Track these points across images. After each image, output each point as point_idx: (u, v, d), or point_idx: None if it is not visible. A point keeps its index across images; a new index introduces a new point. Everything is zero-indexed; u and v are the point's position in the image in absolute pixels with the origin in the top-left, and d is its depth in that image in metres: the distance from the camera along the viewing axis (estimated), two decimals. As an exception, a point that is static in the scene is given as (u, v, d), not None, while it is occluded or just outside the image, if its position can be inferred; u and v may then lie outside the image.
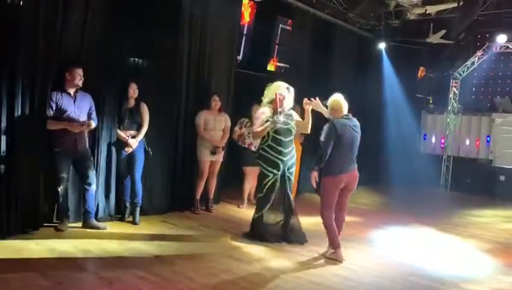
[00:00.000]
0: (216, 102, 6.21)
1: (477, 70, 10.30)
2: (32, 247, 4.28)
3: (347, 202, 4.80)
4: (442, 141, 10.44)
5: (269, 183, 4.96)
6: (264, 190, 4.98)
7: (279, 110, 4.84)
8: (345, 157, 4.58)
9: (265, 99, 5.09)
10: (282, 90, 4.97)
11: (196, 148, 6.22)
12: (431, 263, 4.71)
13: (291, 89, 5.06)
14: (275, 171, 4.95)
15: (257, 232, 5.04)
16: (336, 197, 4.62)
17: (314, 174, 4.56)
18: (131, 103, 5.44)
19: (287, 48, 8.51)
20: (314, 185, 4.62)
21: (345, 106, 4.70)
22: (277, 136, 4.94)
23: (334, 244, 4.64)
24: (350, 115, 4.72)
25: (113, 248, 4.46)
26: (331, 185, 4.57)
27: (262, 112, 5.04)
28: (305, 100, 4.94)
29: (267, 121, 4.92)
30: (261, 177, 5.08)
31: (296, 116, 5.16)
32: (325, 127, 4.60)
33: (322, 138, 4.58)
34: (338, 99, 4.73)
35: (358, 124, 4.75)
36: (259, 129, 4.97)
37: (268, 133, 4.94)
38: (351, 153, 4.64)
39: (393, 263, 4.65)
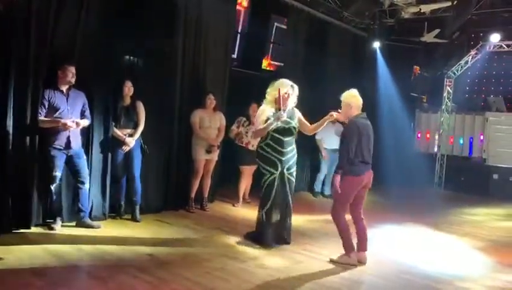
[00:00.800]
0: (211, 101, 6.20)
1: (471, 69, 10.36)
2: (25, 246, 4.25)
3: (365, 197, 4.74)
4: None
5: (267, 182, 4.88)
6: (263, 189, 4.91)
7: (282, 108, 4.73)
8: (366, 157, 4.49)
9: (268, 97, 4.93)
10: (286, 88, 4.84)
11: (191, 147, 6.21)
12: (426, 262, 4.73)
13: (296, 87, 4.93)
14: (273, 170, 4.86)
15: (258, 235, 4.93)
16: (352, 198, 4.54)
17: (338, 178, 4.40)
18: (127, 101, 5.42)
19: (282, 46, 8.51)
20: (339, 190, 4.41)
21: (361, 103, 4.60)
22: (276, 135, 4.84)
23: (349, 246, 4.50)
24: (365, 114, 4.63)
25: (107, 247, 4.43)
26: (352, 186, 4.47)
27: (263, 111, 4.93)
28: (332, 113, 4.77)
29: (267, 120, 4.81)
30: (261, 176, 5.02)
31: (299, 115, 5.05)
32: (344, 128, 4.52)
33: (343, 139, 4.49)
34: (356, 95, 4.59)
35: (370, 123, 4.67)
36: (261, 127, 4.84)
37: (268, 131, 4.84)
38: (370, 153, 4.56)
39: (388, 262, 4.67)
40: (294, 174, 5.04)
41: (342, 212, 4.54)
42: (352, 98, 4.58)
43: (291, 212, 5.05)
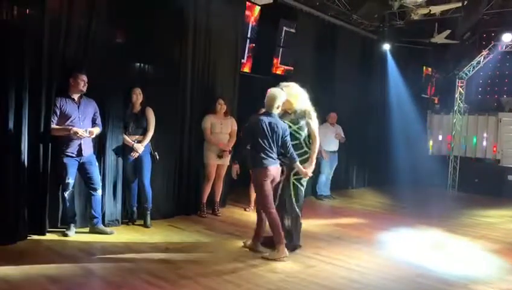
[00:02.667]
0: (221, 106, 6.23)
1: (483, 69, 10.27)
2: (40, 252, 4.32)
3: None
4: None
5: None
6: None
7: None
8: (268, 153, 4.69)
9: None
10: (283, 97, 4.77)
11: (203, 152, 6.25)
12: (438, 264, 4.68)
13: (287, 88, 4.86)
14: None
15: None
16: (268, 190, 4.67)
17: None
18: (137, 108, 5.48)
19: (291, 50, 8.52)
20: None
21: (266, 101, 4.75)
22: None
23: (281, 239, 4.56)
24: (270, 113, 4.70)
25: (120, 253, 4.48)
26: (261, 176, 4.63)
27: None
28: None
29: None
30: None
31: (309, 120, 4.90)
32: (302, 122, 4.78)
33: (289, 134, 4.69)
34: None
35: None
36: None
37: None
38: (273, 148, 4.70)
39: (400, 265, 4.63)
40: (304, 181, 4.93)
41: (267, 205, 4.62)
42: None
43: (288, 213, 4.90)
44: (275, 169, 4.64)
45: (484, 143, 10.05)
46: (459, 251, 5.36)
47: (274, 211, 4.63)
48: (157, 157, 5.59)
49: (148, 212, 5.54)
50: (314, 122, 4.98)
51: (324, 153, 8.01)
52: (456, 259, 4.97)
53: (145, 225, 5.49)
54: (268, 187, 4.61)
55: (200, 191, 6.27)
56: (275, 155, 4.64)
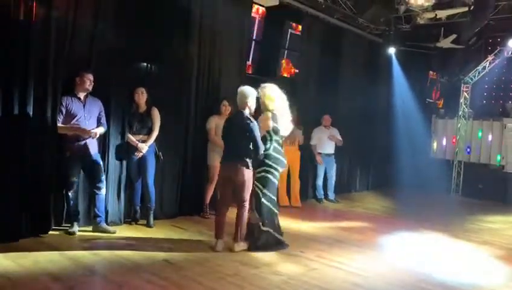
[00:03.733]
0: (226, 107, 6.23)
1: (488, 74, 10.20)
2: (43, 250, 4.33)
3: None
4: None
5: None
6: None
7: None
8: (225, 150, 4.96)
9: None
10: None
11: (206, 154, 6.24)
12: (442, 270, 4.66)
13: (265, 90, 4.92)
14: None
15: None
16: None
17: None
18: (142, 107, 5.48)
19: (296, 53, 8.52)
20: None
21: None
22: None
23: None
24: (241, 113, 4.82)
25: (122, 252, 4.48)
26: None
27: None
28: None
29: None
30: None
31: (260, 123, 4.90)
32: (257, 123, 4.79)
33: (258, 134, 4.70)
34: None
35: None
36: None
37: None
38: (230, 147, 4.89)
39: (403, 269, 4.61)
40: (258, 176, 4.89)
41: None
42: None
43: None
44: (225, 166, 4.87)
45: (487, 148, 9.97)
46: (463, 256, 5.33)
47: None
48: (162, 157, 5.59)
49: (151, 212, 5.55)
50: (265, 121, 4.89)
51: (318, 157, 8.01)
52: (459, 264, 4.95)
53: (147, 225, 5.50)
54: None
55: (203, 192, 6.27)
56: (234, 153, 4.76)
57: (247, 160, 4.75)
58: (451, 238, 6.10)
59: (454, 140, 10.33)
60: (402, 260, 4.95)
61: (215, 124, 6.16)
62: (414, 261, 4.93)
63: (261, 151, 4.76)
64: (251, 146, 4.72)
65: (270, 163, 4.88)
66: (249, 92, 4.82)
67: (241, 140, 4.73)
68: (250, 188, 4.85)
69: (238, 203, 4.86)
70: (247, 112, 4.82)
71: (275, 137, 4.92)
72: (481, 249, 5.62)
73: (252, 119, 4.81)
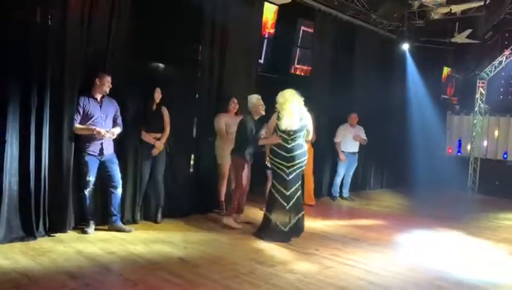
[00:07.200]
0: (235, 104, 6.24)
1: (505, 69, 10.05)
2: (60, 249, 4.39)
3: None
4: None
5: None
6: None
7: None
8: None
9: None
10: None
11: (215, 152, 6.27)
12: (459, 268, 4.61)
13: (278, 97, 5.36)
14: None
15: None
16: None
17: None
18: (154, 106, 5.53)
19: (309, 50, 8.49)
20: None
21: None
22: None
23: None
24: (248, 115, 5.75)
25: (138, 251, 4.52)
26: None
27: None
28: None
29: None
30: None
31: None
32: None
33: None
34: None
35: None
36: None
37: None
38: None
39: (419, 268, 4.57)
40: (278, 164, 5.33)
41: None
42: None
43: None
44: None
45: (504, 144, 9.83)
46: (480, 254, 5.26)
47: None
48: (168, 150, 5.66)
49: (160, 208, 5.62)
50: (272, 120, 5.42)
51: (342, 155, 7.98)
52: (476, 262, 4.88)
53: (155, 221, 5.57)
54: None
55: (216, 190, 6.28)
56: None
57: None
58: (468, 236, 6.02)
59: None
60: (418, 258, 4.91)
61: (225, 122, 6.15)
62: (430, 259, 4.88)
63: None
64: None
65: (270, 155, 5.39)
66: (249, 99, 5.83)
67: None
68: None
69: None
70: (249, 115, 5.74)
71: (279, 133, 5.29)
72: (499, 247, 5.54)
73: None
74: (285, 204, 5.23)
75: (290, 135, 5.23)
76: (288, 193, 5.24)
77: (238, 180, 5.71)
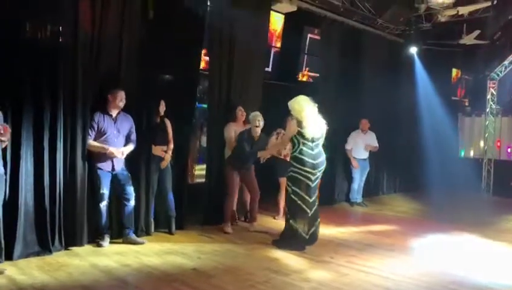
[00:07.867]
0: (242, 112, 6.25)
1: (515, 69, 9.97)
2: (76, 263, 4.43)
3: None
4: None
5: None
6: None
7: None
8: None
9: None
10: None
11: (224, 163, 6.27)
12: (474, 271, 4.55)
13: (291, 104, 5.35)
14: None
15: None
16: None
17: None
18: (158, 119, 5.58)
19: (316, 57, 8.51)
20: None
21: None
22: None
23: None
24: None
25: (152, 262, 4.54)
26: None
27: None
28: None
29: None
30: None
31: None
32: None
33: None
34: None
35: None
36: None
37: None
38: None
39: (435, 272, 4.52)
40: (287, 175, 5.39)
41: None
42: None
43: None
44: None
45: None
46: (495, 257, 5.19)
47: None
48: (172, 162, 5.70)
49: (173, 219, 5.64)
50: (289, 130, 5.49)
51: (354, 162, 7.97)
52: (491, 266, 4.81)
53: (169, 232, 5.59)
54: None
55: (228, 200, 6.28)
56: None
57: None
58: (483, 239, 5.95)
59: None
60: (434, 263, 4.86)
61: (234, 131, 6.16)
62: (446, 263, 4.82)
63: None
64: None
65: (294, 164, 5.25)
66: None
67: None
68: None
69: None
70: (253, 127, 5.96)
71: (301, 140, 5.22)
72: (515, 249, 5.46)
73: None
74: (309, 211, 5.22)
75: (313, 141, 5.26)
76: (311, 200, 5.25)
77: (228, 189, 5.91)
